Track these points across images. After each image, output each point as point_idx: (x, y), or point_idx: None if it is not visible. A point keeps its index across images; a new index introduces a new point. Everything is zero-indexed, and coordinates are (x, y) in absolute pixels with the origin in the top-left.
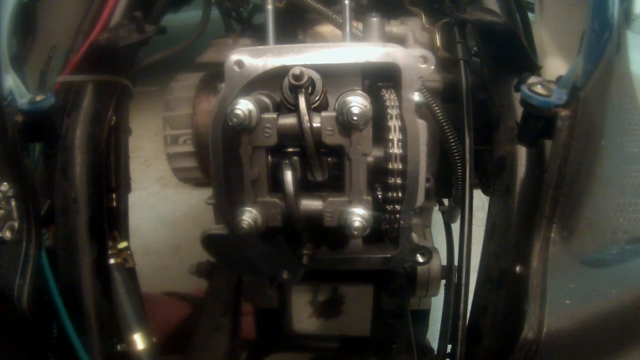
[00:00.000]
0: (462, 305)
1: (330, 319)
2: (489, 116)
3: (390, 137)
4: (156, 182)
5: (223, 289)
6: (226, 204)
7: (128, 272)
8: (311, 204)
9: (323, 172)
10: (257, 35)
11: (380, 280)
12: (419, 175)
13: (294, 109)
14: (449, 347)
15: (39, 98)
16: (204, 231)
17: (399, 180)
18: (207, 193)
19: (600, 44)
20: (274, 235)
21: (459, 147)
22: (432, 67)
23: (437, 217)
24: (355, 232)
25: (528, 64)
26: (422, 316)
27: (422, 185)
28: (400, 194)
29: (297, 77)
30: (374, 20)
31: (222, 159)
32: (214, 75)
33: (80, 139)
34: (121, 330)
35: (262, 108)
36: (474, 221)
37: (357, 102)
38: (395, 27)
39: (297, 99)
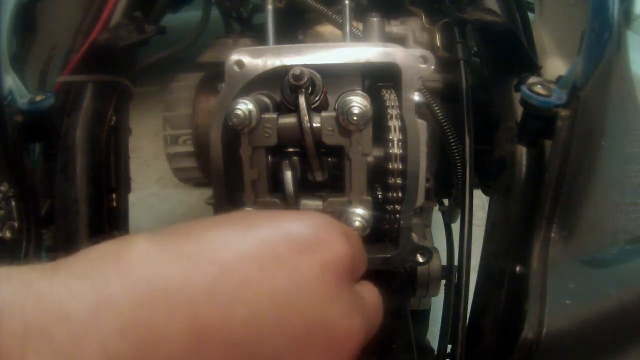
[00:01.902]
0: (462, 305)
1: None
2: (489, 116)
3: (390, 137)
4: (156, 182)
5: None
6: (226, 204)
7: None
8: (311, 204)
9: (323, 172)
10: (257, 35)
11: (380, 280)
12: (419, 175)
13: (294, 109)
14: (449, 347)
15: (38, 98)
16: None
17: (399, 180)
18: (207, 193)
19: (600, 44)
20: None
21: (459, 147)
22: (432, 67)
23: (437, 217)
24: (355, 232)
25: (528, 64)
26: (422, 316)
27: (422, 185)
28: (400, 194)
29: (297, 77)
30: (374, 20)
31: (222, 159)
32: (214, 75)
33: (80, 139)
34: None
35: (262, 108)
36: (474, 221)
37: (357, 102)
38: (395, 27)
39: (297, 99)
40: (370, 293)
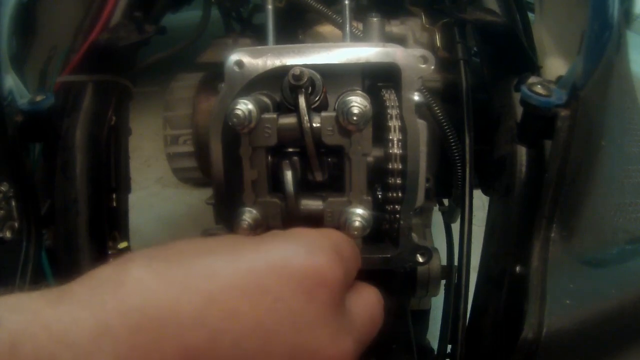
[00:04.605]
0: (462, 305)
1: None
2: (489, 116)
3: (390, 137)
4: (156, 182)
5: None
6: (226, 204)
7: None
8: (311, 204)
9: (323, 172)
10: (257, 35)
11: (380, 280)
12: (419, 175)
13: (294, 109)
14: (449, 347)
15: (38, 98)
16: (203, 231)
17: (399, 180)
18: (207, 193)
19: (600, 44)
20: None
21: (459, 147)
22: (432, 67)
23: (437, 217)
24: (355, 232)
25: (528, 64)
26: (422, 316)
27: (422, 185)
28: (400, 194)
29: (297, 77)
30: (374, 20)
31: (222, 159)
32: (214, 75)
33: (80, 139)
34: None
35: (262, 108)
36: (474, 221)
37: (357, 102)
38: (395, 27)
39: (297, 99)
40: (364, 303)
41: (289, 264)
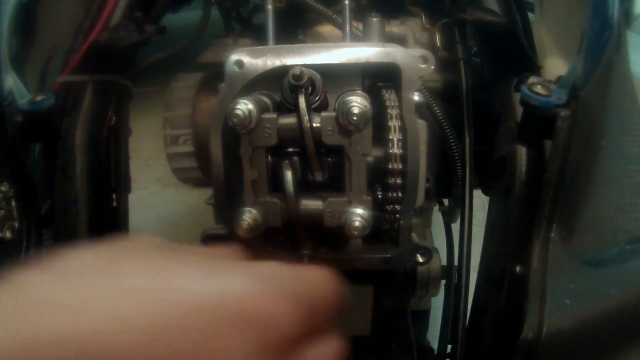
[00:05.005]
0: (462, 305)
1: None
2: (489, 116)
3: (390, 137)
4: (156, 182)
5: None
6: (226, 204)
7: None
8: (311, 204)
9: (323, 172)
10: (257, 35)
11: (380, 280)
12: (419, 175)
13: (294, 109)
14: (449, 347)
15: (38, 98)
16: (203, 231)
17: (399, 180)
18: (207, 193)
19: (600, 44)
20: (274, 235)
21: (459, 147)
22: (432, 67)
23: (437, 217)
24: (355, 232)
25: (528, 64)
26: (422, 316)
27: (422, 185)
28: (400, 194)
29: (297, 77)
30: (374, 20)
31: (222, 159)
32: (214, 75)
33: (80, 139)
34: None
35: (262, 108)
36: (474, 221)
37: (357, 102)
38: (395, 27)
39: (297, 99)
40: (319, 357)
41: (244, 308)
